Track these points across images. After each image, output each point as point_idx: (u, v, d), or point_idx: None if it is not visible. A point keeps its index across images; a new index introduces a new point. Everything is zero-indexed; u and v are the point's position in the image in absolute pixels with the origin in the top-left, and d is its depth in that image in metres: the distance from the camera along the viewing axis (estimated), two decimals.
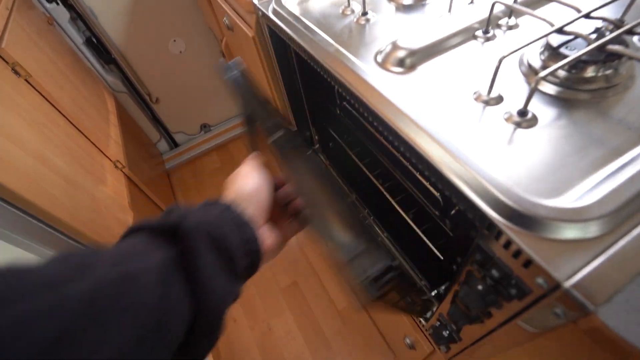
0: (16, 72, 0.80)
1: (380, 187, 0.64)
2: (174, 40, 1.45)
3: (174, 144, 1.75)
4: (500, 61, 0.33)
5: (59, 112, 0.90)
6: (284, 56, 0.63)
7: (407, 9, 0.49)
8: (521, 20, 0.44)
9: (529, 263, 0.25)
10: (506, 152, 0.30)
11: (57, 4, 1.17)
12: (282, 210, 0.39)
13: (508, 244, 0.26)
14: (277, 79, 0.70)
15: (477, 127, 0.33)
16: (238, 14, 0.71)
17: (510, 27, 0.44)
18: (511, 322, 0.31)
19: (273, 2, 0.53)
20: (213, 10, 0.96)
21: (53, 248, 0.71)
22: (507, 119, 0.33)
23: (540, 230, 0.25)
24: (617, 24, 0.35)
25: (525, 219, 0.25)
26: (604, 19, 0.35)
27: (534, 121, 0.33)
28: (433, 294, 0.56)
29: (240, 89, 0.46)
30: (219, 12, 0.86)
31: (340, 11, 0.50)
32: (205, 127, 1.76)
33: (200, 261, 0.24)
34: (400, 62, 0.40)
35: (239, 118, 1.79)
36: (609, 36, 0.32)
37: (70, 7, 1.22)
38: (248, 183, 0.34)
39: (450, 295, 0.42)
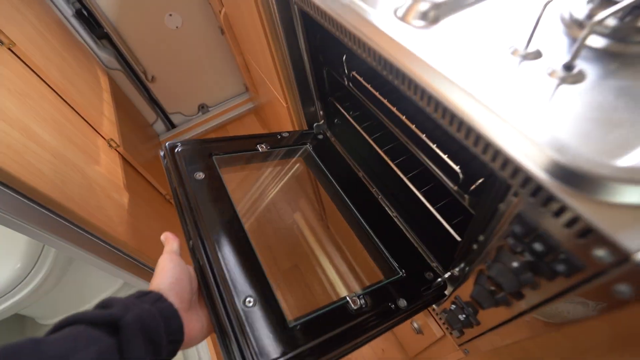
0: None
1: (391, 163, 0.60)
2: (170, 15, 1.38)
3: (171, 125, 1.69)
4: (545, 6, 0.29)
5: (47, 84, 0.85)
6: (288, 20, 0.58)
7: None
8: None
9: (586, 232, 0.21)
10: (551, 110, 0.26)
11: None
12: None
13: (560, 210, 0.22)
14: (280, 47, 0.65)
15: (516, 82, 0.29)
16: None
17: None
18: (548, 304, 0.28)
19: None
20: None
21: (42, 227, 0.67)
22: (550, 74, 0.29)
23: (601, 194, 0.21)
24: None
25: (584, 180, 0.21)
26: None
27: (580, 76, 0.28)
28: (447, 275, 0.53)
29: None
30: None
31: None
32: (203, 108, 1.71)
33: (135, 352, 0.29)
34: (423, 15, 0.36)
35: (239, 98, 1.73)
36: None
37: None
38: (167, 277, 0.38)
39: (473, 276, 0.38)
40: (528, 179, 0.23)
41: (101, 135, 1.01)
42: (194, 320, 0.38)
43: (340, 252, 0.59)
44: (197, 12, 1.40)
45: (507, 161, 0.25)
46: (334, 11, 0.39)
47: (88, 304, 1.13)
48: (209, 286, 0.39)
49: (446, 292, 0.54)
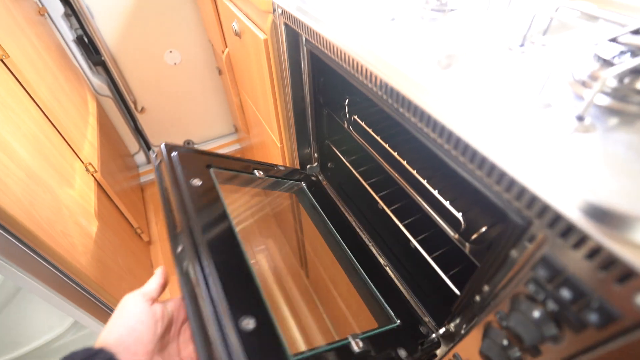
0: None
1: (387, 209, 0.59)
2: (170, 51, 1.41)
3: None
4: (551, 70, 0.31)
5: (33, 100, 0.82)
6: (295, 62, 0.60)
7: (434, 20, 0.48)
8: (551, 38, 0.43)
9: (627, 276, 0.20)
10: (572, 153, 0.26)
11: None
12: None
13: (594, 252, 0.21)
14: (283, 87, 0.67)
15: (528, 127, 0.29)
16: (249, 17, 0.69)
17: (543, 44, 0.42)
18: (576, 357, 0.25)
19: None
20: (219, 17, 0.94)
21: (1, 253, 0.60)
22: (562, 123, 0.30)
23: (626, 230, 0.20)
24: None
25: (621, 220, 0.21)
26: None
27: (592, 127, 0.30)
28: (441, 331, 0.49)
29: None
30: (227, 18, 0.84)
31: (366, 15, 0.48)
32: (188, 144, 1.68)
33: None
34: (438, 62, 0.37)
35: (227, 138, 1.73)
36: None
37: (66, 3, 1.17)
38: (123, 325, 0.34)
39: (480, 329, 0.36)
40: (558, 217, 0.23)
41: (80, 159, 0.96)
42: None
43: (328, 293, 0.55)
44: (197, 51, 1.44)
45: (533, 199, 0.24)
46: (357, 55, 0.40)
47: (26, 347, 0.98)
48: (197, 299, 0.34)
49: (438, 352, 0.51)
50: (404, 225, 0.57)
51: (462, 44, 0.40)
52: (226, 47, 0.99)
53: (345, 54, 0.42)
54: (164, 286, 0.42)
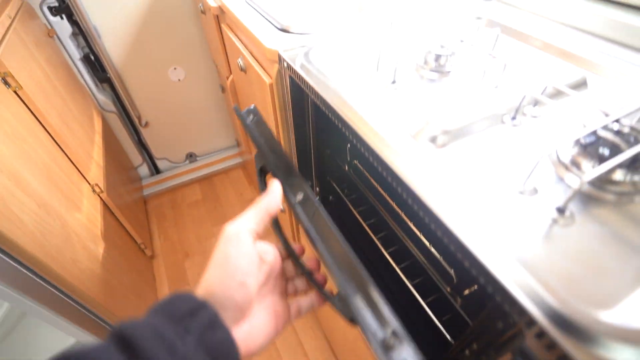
0: (6, 83, 0.75)
1: (383, 251, 0.62)
2: (175, 68, 1.44)
3: (155, 171, 1.68)
4: (539, 158, 0.34)
5: (44, 128, 0.85)
6: (300, 108, 0.63)
7: (432, 81, 0.50)
8: (543, 109, 0.46)
9: None
10: (543, 248, 0.29)
11: (62, 18, 1.15)
12: (283, 285, 0.36)
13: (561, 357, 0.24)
14: (287, 126, 0.70)
15: (513, 217, 0.32)
16: (256, 58, 0.71)
17: (534, 116, 0.45)
18: None
19: (302, 56, 0.53)
20: (224, 48, 0.97)
21: (10, 283, 0.62)
22: (544, 214, 0.33)
23: (591, 345, 0.23)
24: None
25: (574, 328, 0.24)
26: (632, 127, 0.37)
27: (571, 219, 0.33)
28: None
29: (258, 138, 0.44)
30: (233, 52, 0.87)
31: (369, 75, 0.50)
32: (191, 157, 1.71)
33: None
34: (433, 139, 0.40)
35: (229, 151, 1.76)
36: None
37: (74, 23, 1.19)
38: (229, 269, 0.28)
39: None
40: (532, 321, 0.26)
41: (87, 181, 0.99)
42: (256, 319, 0.30)
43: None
44: (200, 68, 1.47)
45: (513, 302, 0.27)
46: (352, 122, 0.43)
47: None
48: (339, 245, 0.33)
49: None
50: (401, 269, 0.60)
51: (457, 116, 0.43)
52: (231, 73, 1.02)
53: (345, 121, 0.44)
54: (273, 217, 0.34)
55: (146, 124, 1.52)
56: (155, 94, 1.46)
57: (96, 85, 1.35)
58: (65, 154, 0.91)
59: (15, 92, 0.78)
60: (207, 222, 1.50)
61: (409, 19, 0.65)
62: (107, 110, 1.40)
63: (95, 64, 1.32)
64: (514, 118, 0.44)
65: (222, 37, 0.95)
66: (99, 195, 1.03)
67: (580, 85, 0.50)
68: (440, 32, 0.58)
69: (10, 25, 0.83)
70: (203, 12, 1.03)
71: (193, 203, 1.59)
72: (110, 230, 1.03)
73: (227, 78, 1.03)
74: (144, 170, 1.65)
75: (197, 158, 1.73)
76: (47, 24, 1.13)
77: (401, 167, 0.38)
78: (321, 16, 0.70)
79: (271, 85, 0.64)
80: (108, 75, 1.34)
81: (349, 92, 0.47)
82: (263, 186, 0.39)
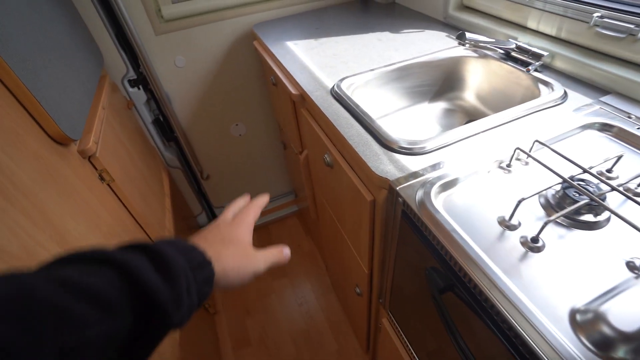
0: (102, 178, 0.78)
1: None
2: (236, 125, 1.46)
3: (214, 218, 1.70)
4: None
5: (131, 215, 0.87)
6: (405, 241, 0.57)
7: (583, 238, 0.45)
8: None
9: None
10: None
11: (139, 89, 1.20)
12: None
13: None
14: (385, 242, 0.64)
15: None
16: (353, 169, 0.66)
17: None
18: None
19: (421, 192, 0.49)
20: (298, 125, 0.96)
21: None
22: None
23: None
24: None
25: None
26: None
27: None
28: None
29: None
30: (313, 140, 0.84)
31: (497, 221, 0.45)
32: None
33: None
34: (602, 342, 0.35)
35: (285, 198, 1.76)
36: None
37: (148, 91, 1.24)
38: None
39: None
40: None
41: None
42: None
43: None
44: (261, 124, 1.49)
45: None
46: (487, 290, 0.39)
47: None
48: None
49: None
50: None
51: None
52: (303, 149, 1.00)
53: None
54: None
55: (207, 177, 1.55)
56: (217, 149, 1.49)
57: (163, 143, 1.40)
58: (148, 235, 0.93)
59: (108, 185, 0.80)
60: (266, 276, 1.49)
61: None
62: (172, 166, 1.45)
63: (164, 124, 1.37)
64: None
65: (297, 117, 0.94)
66: None
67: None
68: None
69: (104, 117, 0.87)
70: (274, 85, 1.03)
71: None
72: None
73: (300, 153, 1.02)
74: (202, 218, 1.68)
75: None
76: (126, 95, 1.18)
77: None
78: (444, 138, 0.58)
79: (372, 202, 0.60)
80: (175, 134, 1.38)
81: (476, 244, 0.42)
82: None
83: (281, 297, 1.41)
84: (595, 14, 0.66)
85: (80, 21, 0.98)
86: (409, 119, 0.88)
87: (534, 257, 0.40)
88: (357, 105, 0.67)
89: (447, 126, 0.86)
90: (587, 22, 0.68)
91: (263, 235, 1.66)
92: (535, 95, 0.69)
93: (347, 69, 0.83)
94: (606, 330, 0.32)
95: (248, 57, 1.30)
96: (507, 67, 0.77)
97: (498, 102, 0.82)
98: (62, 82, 0.69)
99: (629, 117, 0.57)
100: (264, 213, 1.71)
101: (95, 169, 0.77)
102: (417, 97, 0.90)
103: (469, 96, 0.89)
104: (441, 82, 0.89)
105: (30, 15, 0.66)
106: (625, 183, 0.44)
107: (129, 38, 1.08)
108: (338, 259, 1.05)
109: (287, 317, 1.34)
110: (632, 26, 0.61)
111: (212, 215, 1.70)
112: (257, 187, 1.70)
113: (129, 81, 1.17)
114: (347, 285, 1.03)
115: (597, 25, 0.66)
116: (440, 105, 0.91)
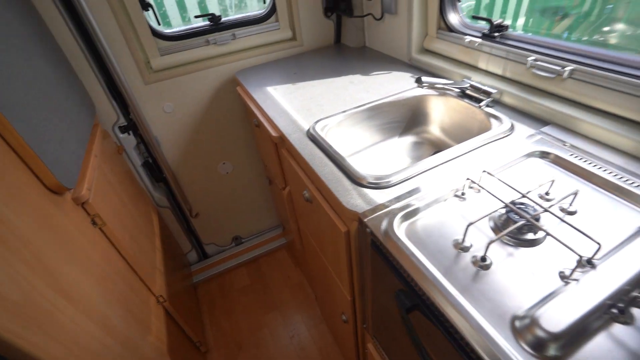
0: (94, 223, 0.82)
1: None
2: (224, 163, 1.53)
3: (203, 255, 1.73)
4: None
5: (122, 256, 0.90)
6: (376, 267, 0.62)
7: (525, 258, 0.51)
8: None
9: None
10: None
11: (129, 134, 1.26)
12: None
13: None
14: (361, 272, 0.70)
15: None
16: (328, 202, 0.72)
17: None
18: None
19: (385, 222, 0.55)
20: (280, 164, 1.02)
21: None
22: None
23: None
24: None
25: None
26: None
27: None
28: None
29: None
30: (293, 178, 0.91)
31: (452, 244, 0.51)
32: (236, 239, 1.76)
33: None
34: (540, 345, 0.40)
35: (273, 232, 1.80)
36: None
37: (138, 135, 1.31)
38: None
39: None
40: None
41: (153, 294, 1.03)
42: None
43: None
44: (247, 162, 1.56)
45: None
46: (440, 305, 0.44)
47: None
48: None
49: None
50: None
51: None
52: (286, 185, 1.06)
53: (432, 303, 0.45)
54: None
55: (196, 215, 1.59)
56: (206, 187, 1.55)
57: (152, 184, 1.45)
58: (137, 274, 0.96)
59: (100, 229, 0.84)
60: (257, 310, 1.50)
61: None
62: (162, 205, 1.49)
63: (153, 166, 1.42)
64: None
65: (279, 156, 1.00)
66: (162, 305, 1.07)
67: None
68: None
69: (97, 164, 0.92)
70: (257, 126, 1.10)
71: (242, 289, 1.61)
72: (172, 338, 1.05)
73: (284, 189, 1.08)
74: (192, 256, 1.70)
75: (243, 240, 1.78)
76: (117, 141, 1.24)
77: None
78: (407, 172, 0.66)
79: (347, 233, 0.66)
80: (164, 175, 1.44)
81: (434, 265, 0.48)
82: None
83: (273, 330, 1.41)
84: (530, 58, 0.76)
85: (73, 73, 1.05)
86: (381, 153, 0.96)
87: (483, 274, 0.46)
88: (330, 146, 0.75)
89: (417, 157, 0.94)
90: (525, 64, 0.78)
91: (253, 271, 1.68)
92: (488, 127, 0.78)
93: (322, 112, 0.92)
94: (539, 332, 0.38)
95: (232, 101, 1.39)
96: (463, 104, 0.87)
97: (459, 134, 0.90)
98: (59, 135, 0.75)
99: (564, 145, 0.66)
100: (253, 247, 1.75)
101: (88, 214, 0.81)
102: (388, 133, 0.98)
103: (434, 129, 0.97)
104: (408, 118, 0.98)
105: (30, 75, 0.72)
106: (556, 204, 0.52)
107: (120, 88, 1.16)
108: (325, 287, 1.08)
109: (279, 351, 1.34)
110: (558, 68, 0.71)
111: (202, 252, 1.72)
112: (245, 222, 1.74)
113: (120, 127, 1.24)
114: (335, 313, 1.06)
115: (533, 67, 0.76)
116: (410, 139, 0.99)
